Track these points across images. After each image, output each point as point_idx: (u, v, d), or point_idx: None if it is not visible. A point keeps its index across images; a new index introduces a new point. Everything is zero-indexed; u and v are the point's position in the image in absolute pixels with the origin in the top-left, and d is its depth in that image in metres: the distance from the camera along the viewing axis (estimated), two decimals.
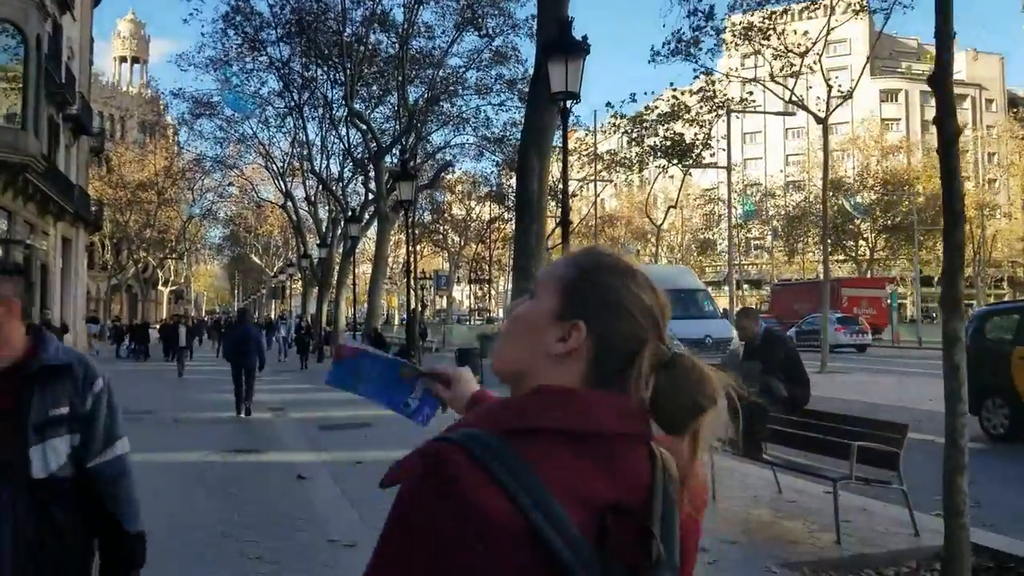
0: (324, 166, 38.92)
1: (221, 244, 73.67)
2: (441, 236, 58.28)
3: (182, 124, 41.91)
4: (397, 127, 32.90)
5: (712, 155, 35.33)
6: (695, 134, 30.88)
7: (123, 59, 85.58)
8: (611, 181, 45.56)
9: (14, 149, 23.36)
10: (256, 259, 69.27)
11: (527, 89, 14.37)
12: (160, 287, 73.29)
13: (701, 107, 29.29)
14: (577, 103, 10.06)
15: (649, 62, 34.20)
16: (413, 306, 26.28)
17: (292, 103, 34.85)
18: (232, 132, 40.00)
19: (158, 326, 38.76)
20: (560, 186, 14.74)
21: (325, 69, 32.71)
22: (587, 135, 40.07)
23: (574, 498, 0.96)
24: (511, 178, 39.94)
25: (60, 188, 33.04)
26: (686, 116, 29.67)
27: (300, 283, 52.46)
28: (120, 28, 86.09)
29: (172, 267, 72.41)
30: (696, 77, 27.54)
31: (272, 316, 63.06)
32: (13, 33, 23.73)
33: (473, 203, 56.19)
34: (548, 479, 0.96)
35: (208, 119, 38.84)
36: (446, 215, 55.79)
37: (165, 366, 25.23)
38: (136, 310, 66.48)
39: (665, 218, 47.95)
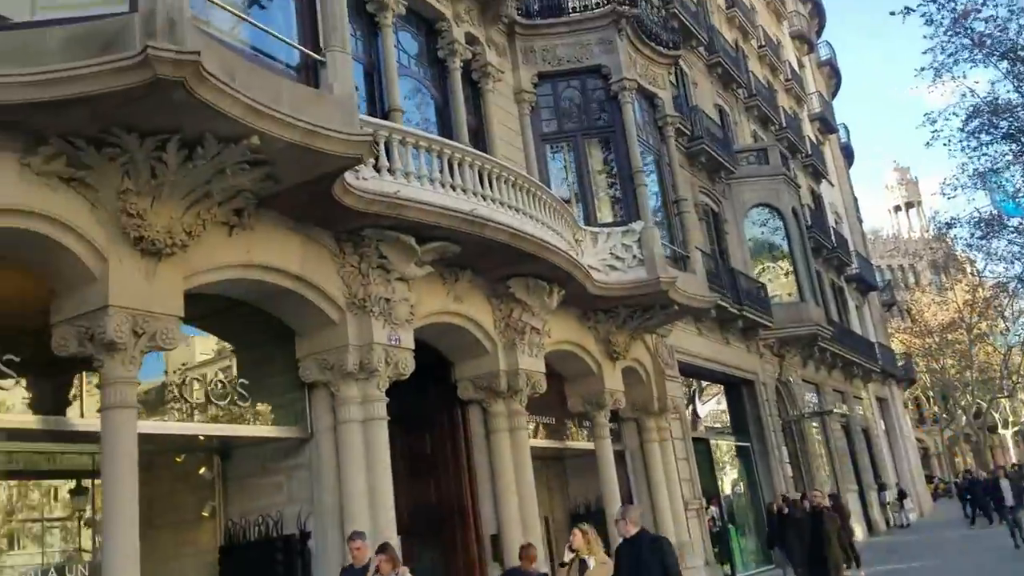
0: None
1: None
2: None
3: (971, 251, 38.42)
4: None
5: None
6: None
7: (897, 208, 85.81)
8: None
9: (799, 321, 23.74)
10: None
11: None
12: (1001, 430, 66.53)
13: None
14: None
15: None
16: None
17: None
18: None
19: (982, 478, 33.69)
20: None
21: None
22: None
23: None
24: None
25: (859, 349, 32.62)
26: None
27: None
28: (886, 180, 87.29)
29: (1006, 406, 65.41)
30: None
31: None
32: (772, 216, 24.97)
33: None
34: None
35: (997, 237, 34.63)
36: None
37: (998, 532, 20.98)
38: (980, 459, 61.16)
39: None
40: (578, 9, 15.28)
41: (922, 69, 29.21)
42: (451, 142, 10.71)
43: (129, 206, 7.30)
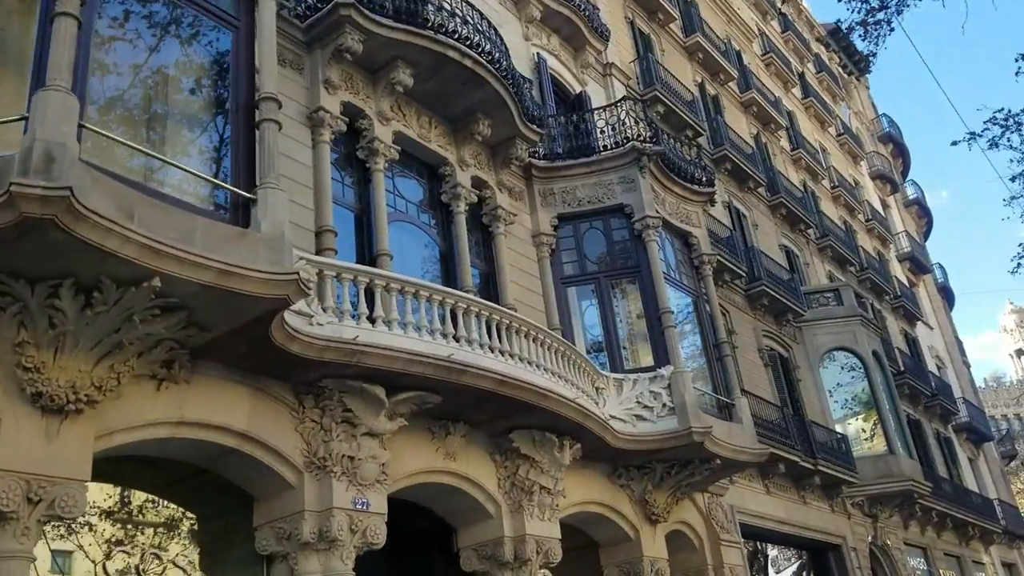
0: None
1: None
2: None
3: None
4: None
5: None
6: None
7: (1020, 352, 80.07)
8: None
9: (889, 476, 21.21)
10: None
11: None
12: None
13: None
14: None
15: None
16: None
17: None
18: None
19: None
20: None
21: None
22: None
23: None
24: None
25: (974, 507, 29.15)
26: None
27: None
28: (1003, 323, 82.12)
29: None
30: None
31: None
32: (854, 363, 23.06)
33: None
34: None
35: None
36: None
37: None
38: None
39: None
40: (599, 149, 14.74)
41: (1012, 198, 27.48)
42: (423, 282, 9.93)
43: (26, 359, 6.71)
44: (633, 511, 13.25)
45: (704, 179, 16.06)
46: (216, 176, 7.89)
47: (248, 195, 7.70)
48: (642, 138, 14.50)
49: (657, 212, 14.26)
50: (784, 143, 29.52)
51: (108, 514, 14.47)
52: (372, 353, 8.74)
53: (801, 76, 34.66)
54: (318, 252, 10.06)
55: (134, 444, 7.74)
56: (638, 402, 12.79)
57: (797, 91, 33.57)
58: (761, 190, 24.99)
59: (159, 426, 7.79)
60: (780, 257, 24.42)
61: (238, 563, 9.32)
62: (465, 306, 10.08)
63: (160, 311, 7.04)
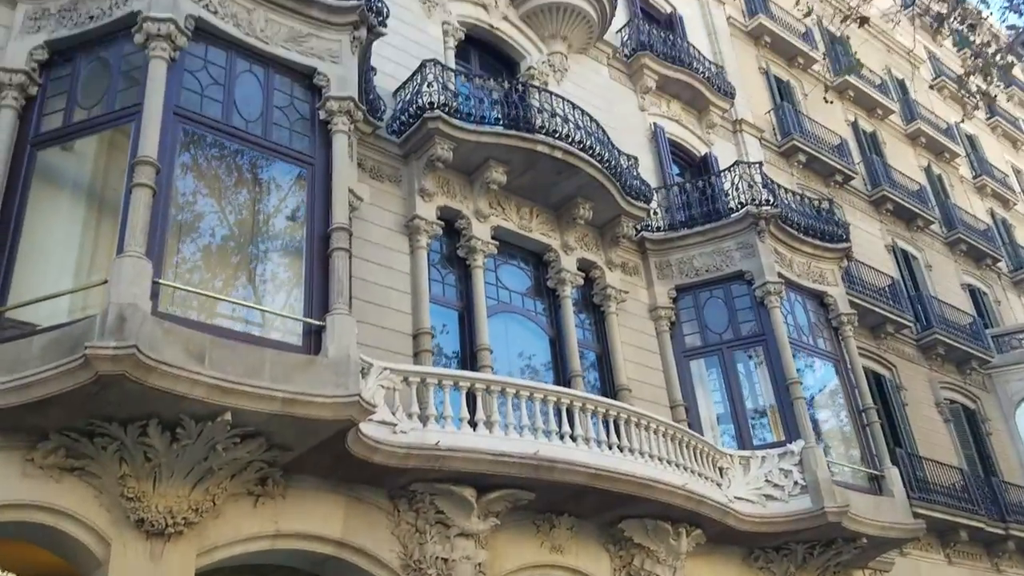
0: None
1: None
2: None
3: None
4: None
5: None
6: None
7: None
8: None
9: None
10: None
11: None
12: None
13: None
14: None
15: None
16: None
17: None
18: None
19: None
20: None
21: None
22: None
23: None
24: None
25: None
26: None
27: None
28: None
29: None
30: None
31: None
32: None
33: None
34: None
35: None
36: None
37: None
38: None
39: None
40: (714, 216, 14.43)
41: None
42: (507, 379, 10.13)
43: (128, 490, 7.58)
44: None
45: (839, 234, 15.28)
46: (290, 305, 8.58)
47: (318, 323, 8.31)
48: (758, 201, 14.07)
49: (780, 276, 13.73)
50: (964, 171, 27.34)
51: None
52: (455, 457, 9.05)
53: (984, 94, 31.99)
54: (415, 354, 10.59)
55: (238, 557, 8.44)
56: (767, 480, 12.22)
57: (980, 112, 31.03)
58: (934, 227, 23.25)
59: (257, 540, 8.45)
60: (962, 298, 22.51)
61: None
62: (555, 399, 10.19)
63: (240, 439, 7.73)
